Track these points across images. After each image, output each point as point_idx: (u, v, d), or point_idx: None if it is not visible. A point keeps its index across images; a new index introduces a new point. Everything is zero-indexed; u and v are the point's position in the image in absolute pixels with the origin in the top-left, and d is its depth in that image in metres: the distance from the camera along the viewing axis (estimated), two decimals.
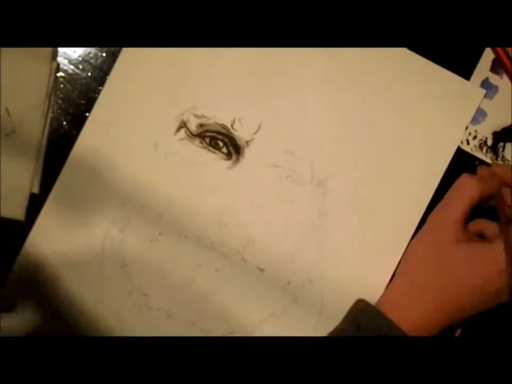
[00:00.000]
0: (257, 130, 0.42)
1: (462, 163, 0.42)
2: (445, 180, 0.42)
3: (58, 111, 0.42)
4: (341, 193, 0.42)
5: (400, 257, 0.41)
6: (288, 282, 0.42)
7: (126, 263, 0.41)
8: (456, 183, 0.39)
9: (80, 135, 0.41)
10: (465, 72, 0.42)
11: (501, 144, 0.42)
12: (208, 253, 0.42)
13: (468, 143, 0.42)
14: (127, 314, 0.41)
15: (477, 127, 0.42)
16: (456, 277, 0.37)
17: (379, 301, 0.40)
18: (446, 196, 0.39)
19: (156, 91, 0.42)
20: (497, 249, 0.37)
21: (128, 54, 0.42)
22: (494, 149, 0.42)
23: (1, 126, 0.40)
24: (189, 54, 0.42)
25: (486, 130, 0.42)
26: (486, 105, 0.42)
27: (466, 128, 0.42)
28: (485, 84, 0.42)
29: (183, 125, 0.42)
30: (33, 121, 0.41)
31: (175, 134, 0.42)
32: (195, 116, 0.42)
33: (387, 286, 0.40)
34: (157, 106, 0.42)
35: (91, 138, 0.41)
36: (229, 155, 0.42)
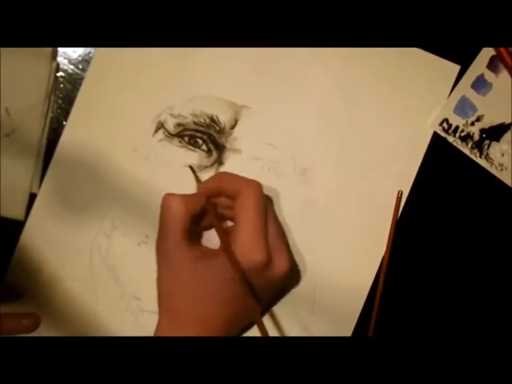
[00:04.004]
0: (234, 125, 0.42)
1: (444, 154, 0.42)
2: (429, 171, 0.42)
3: (58, 111, 0.42)
4: (324, 181, 0.42)
5: (386, 243, 0.41)
6: None
7: (115, 268, 0.42)
8: (162, 206, 0.38)
9: (58, 144, 0.41)
10: (462, 66, 0.42)
11: (487, 142, 0.42)
12: None
13: (455, 135, 0.42)
14: (121, 318, 0.41)
15: (465, 120, 0.43)
16: (200, 300, 0.37)
17: None
18: (159, 223, 0.38)
19: (130, 93, 0.42)
20: (217, 261, 0.36)
21: (100, 56, 0.42)
22: (479, 146, 0.43)
23: (1, 126, 0.41)
24: (161, 53, 0.42)
25: (473, 125, 0.43)
26: (477, 100, 0.42)
27: (444, 120, 0.42)
28: (479, 80, 0.43)
29: (160, 126, 0.42)
30: (33, 121, 0.41)
31: (153, 135, 0.42)
32: (172, 115, 0.42)
33: (157, 329, 0.38)
34: (132, 109, 0.42)
35: (69, 148, 0.41)
36: (209, 152, 0.42)
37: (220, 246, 0.38)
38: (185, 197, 0.38)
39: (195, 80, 0.42)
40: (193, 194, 0.39)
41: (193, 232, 0.39)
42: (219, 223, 0.39)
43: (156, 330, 0.38)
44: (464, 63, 0.43)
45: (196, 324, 0.37)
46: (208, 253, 0.38)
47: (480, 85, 0.43)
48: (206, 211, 0.39)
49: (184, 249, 0.37)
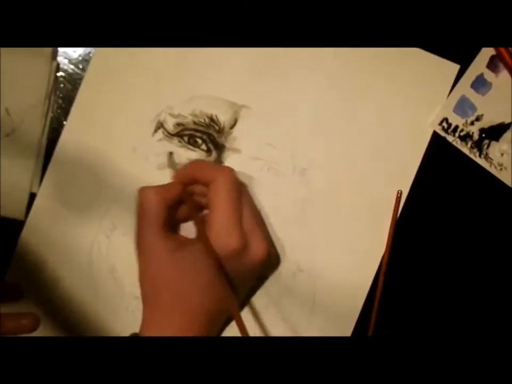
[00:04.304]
0: (234, 125, 0.42)
1: (444, 153, 0.42)
2: (428, 171, 0.42)
3: (58, 111, 0.42)
4: (323, 181, 0.42)
5: (385, 242, 0.41)
6: (280, 273, 0.42)
7: (115, 268, 0.42)
8: (138, 200, 0.38)
9: (58, 144, 0.41)
10: (461, 65, 0.42)
11: (486, 141, 0.42)
12: None
13: (454, 135, 0.42)
14: (121, 318, 0.41)
15: (464, 120, 0.42)
16: (181, 289, 0.37)
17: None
18: (137, 216, 0.38)
19: (129, 93, 0.42)
20: (193, 249, 0.37)
21: (100, 56, 0.42)
22: (478, 145, 0.42)
23: (1, 126, 0.41)
24: (161, 53, 0.42)
25: (473, 125, 0.42)
26: (477, 100, 0.42)
27: (444, 119, 0.42)
28: (479, 80, 0.42)
29: (160, 125, 0.42)
30: (33, 121, 0.41)
31: (152, 135, 0.42)
32: (171, 115, 0.42)
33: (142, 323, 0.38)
34: (131, 109, 0.42)
35: (69, 147, 0.41)
36: (208, 152, 0.42)
37: (197, 235, 0.38)
38: (161, 188, 0.38)
39: (195, 80, 0.42)
40: (169, 184, 0.39)
41: (171, 222, 0.39)
42: (195, 211, 0.38)
43: (141, 325, 0.38)
44: (464, 62, 0.42)
45: (179, 314, 0.37)
46: (185, 242, 0.38)
47: (479, 84, 0.42)
48: (183, 200, 0.39)
49: (162, 240, 0.37)
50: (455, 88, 0.42)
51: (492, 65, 0.42)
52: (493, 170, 0.42)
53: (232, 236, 0.36)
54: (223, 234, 0.36)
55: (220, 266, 0.36)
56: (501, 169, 0.42)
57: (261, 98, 0.42)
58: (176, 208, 0.39)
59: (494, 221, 0.43)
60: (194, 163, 0.40)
